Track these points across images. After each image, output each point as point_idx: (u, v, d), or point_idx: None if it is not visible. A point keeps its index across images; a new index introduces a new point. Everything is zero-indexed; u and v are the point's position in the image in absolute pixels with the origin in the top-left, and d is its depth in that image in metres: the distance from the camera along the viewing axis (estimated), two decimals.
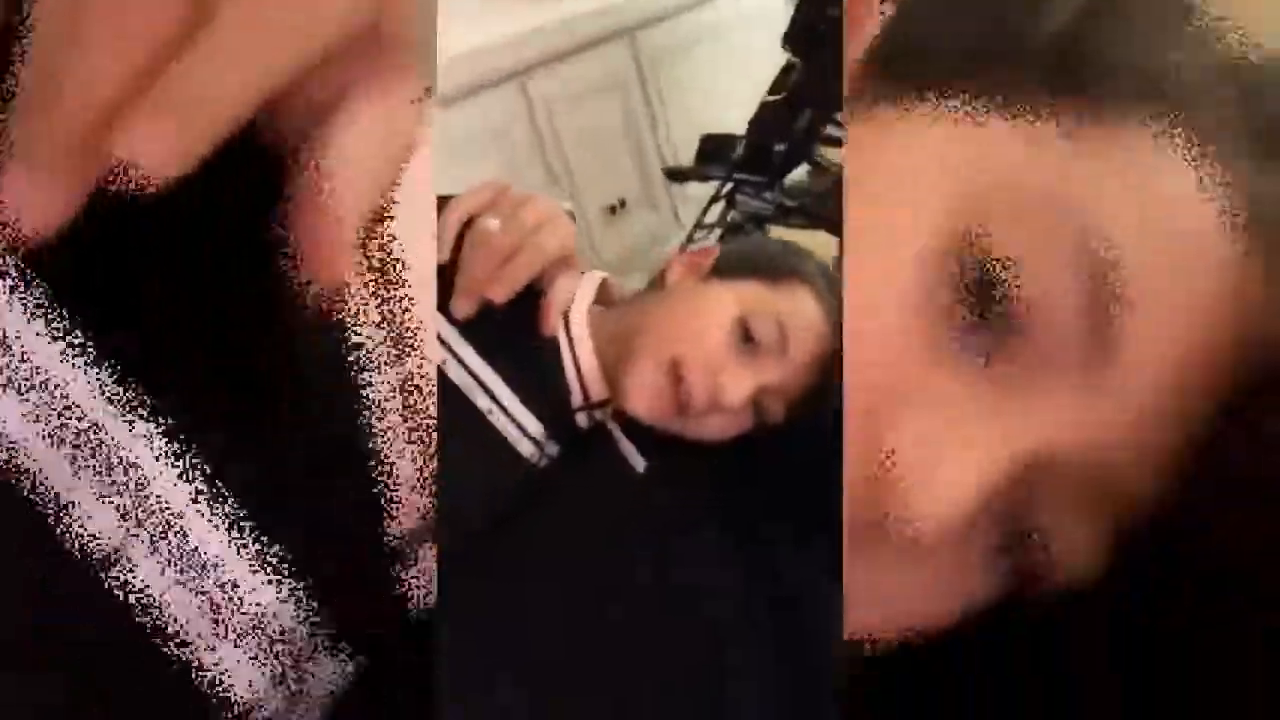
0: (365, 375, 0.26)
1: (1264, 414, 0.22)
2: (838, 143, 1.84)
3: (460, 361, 0.53)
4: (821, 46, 1.64)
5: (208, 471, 0.25)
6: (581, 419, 0.58)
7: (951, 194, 0.23)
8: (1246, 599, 0.22)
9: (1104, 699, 0.25)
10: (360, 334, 0.26)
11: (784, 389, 0.53)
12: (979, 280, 0.23)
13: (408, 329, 0.27)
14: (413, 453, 0.28)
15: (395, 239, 0.26)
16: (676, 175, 2.01)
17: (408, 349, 0.27)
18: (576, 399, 0.57)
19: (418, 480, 0.28)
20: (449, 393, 0.52)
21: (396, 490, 0.27)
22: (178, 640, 0.25)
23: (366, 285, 0.26)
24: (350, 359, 0.26)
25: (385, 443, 0.27)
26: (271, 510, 0.26)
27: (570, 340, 0.57)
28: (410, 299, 0.27)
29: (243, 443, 0.25)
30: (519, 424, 0.54)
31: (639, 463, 0.55)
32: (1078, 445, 0.23)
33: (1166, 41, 0.23)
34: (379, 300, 0.27)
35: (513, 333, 0.55)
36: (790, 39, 1.72)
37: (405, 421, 0.27)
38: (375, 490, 0.27)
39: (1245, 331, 0.22)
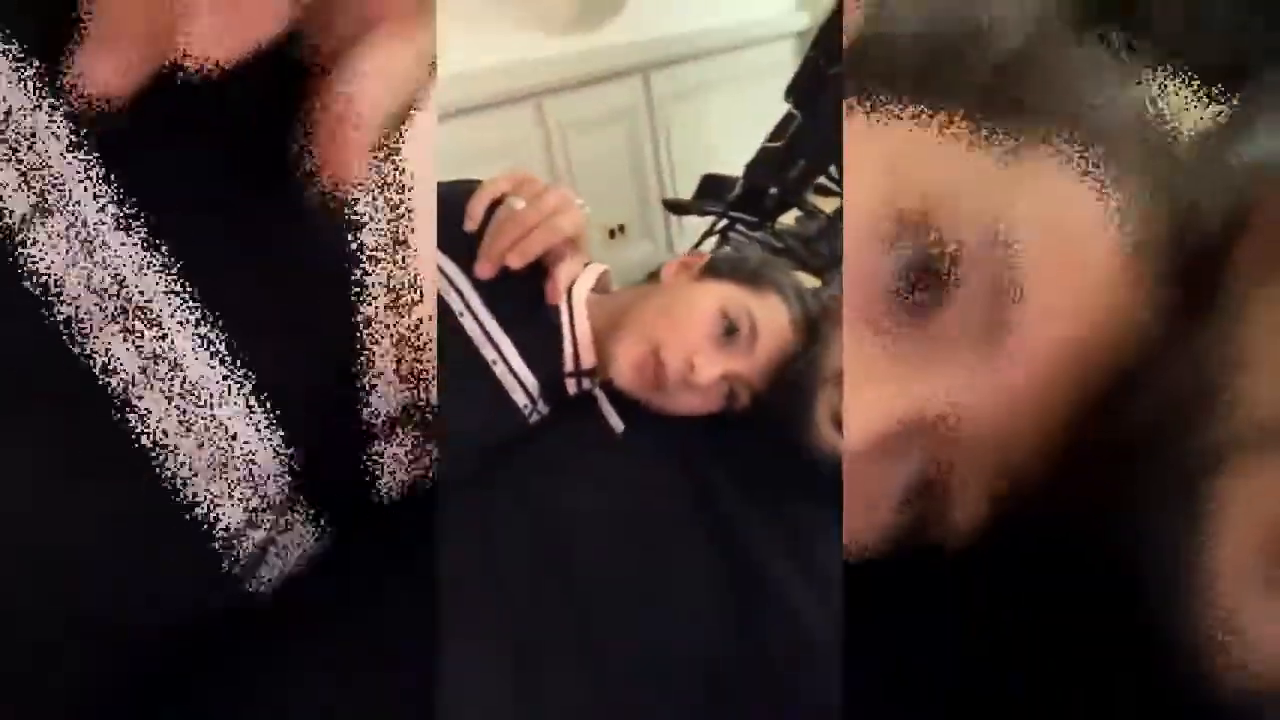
0: (362, 267, 0.29)
1: (1124, 400, 0.27)
2: (829, 192, 1.96)
3: (475, 316, 0.61)
4: (819, 101, 1.76)
5: (218, 327, 0.28)
6: (571, 385, 0.65)
7: (894, 187, 0.28)
8: (1101, 557, 0.27)
9: (987, 639, 0.29)
10: (363, 231, 0.29)
11: (750, 378, 0.60)
12: (911, 262, 0.27)
13: (406, 240, 0.30)
14: (398, 349, 0.31)
15: (406, 162, 0.29)
16: (676, 207, 2.11)
17: (404, 257, 0.30)
18: (569, 364, 0.64)
19: (397, 374, 0.31)
20: (461, 341, 0.60)
21: (378, 378, 0.30)
22: (178, 475, 0.28)
23: (376, 193, 0.29)
24: (351, 249, 0.29)
25: (373, 333, 0.30)
26: (268, 370, 0.29)
27: (570, 312, 0.65)
28: (412, 213, 0.30)
29: (250, 305, 0.28)
30: (518, 377, 0.62)
31: (618, 425, 0.63)
32: (973, 408, 0.28)
33: (1084, 89, 0.28)
34: (386, 208, 0.30)
35: (523, 300, 0.63)
36: (792, 91, 1.84)
37: (394, 320, 0.30)
38: (357, 372, 0.30)
39: (1119, 330, 0.26)
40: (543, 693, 0.47)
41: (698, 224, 2.19)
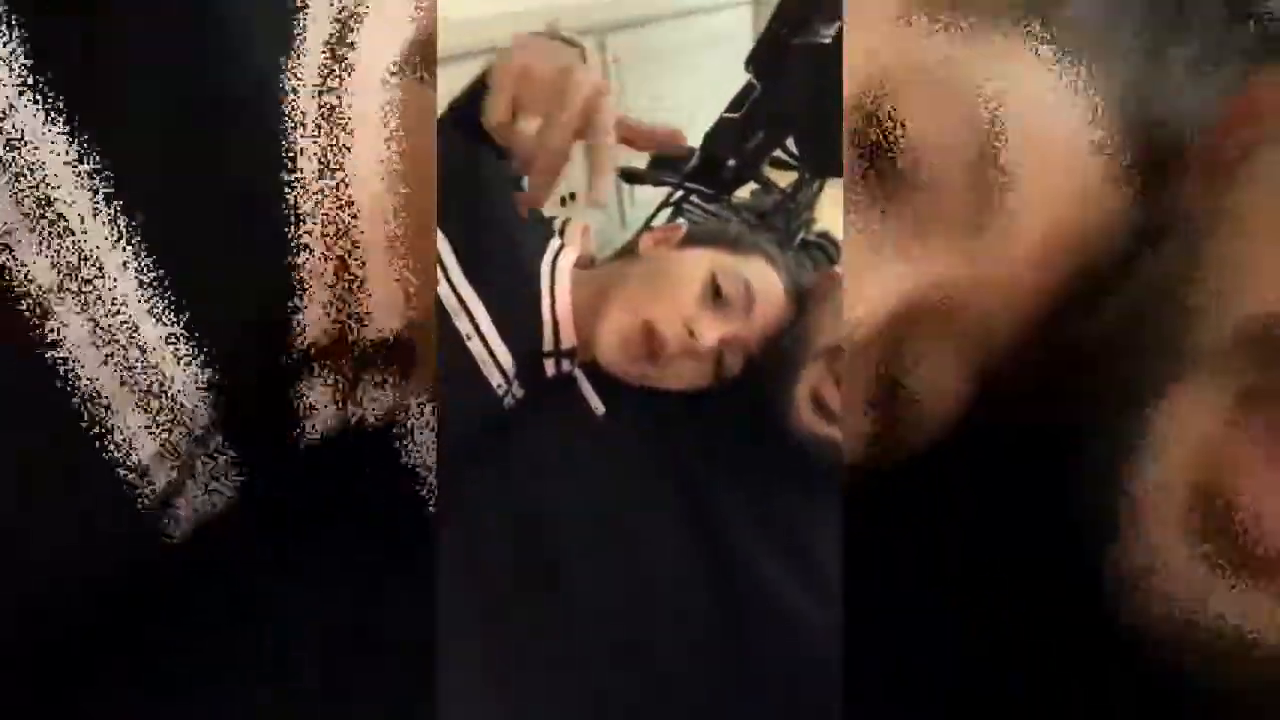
0: (295, 193, 0.28)
1: (1092, 302, 0.27)
2: (786, 165, 1.94)
3: (453, 286, 0.56)
4: (780, 72, 1.72)
5: (141, 241, 0.26)
6: (549, 366, 0.62)
7: (868, 74, 0.28)
8: (1068, 455, 0.27)
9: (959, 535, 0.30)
10: (300, 159, 0.28)
11: (744, 344, 0.59)
12: (877, 140, 0.27)
13: (340, 156, 0.29)
14: (329, 279, 0.29)
15: (349, 95, 0.28)
16: (631, 176, 2.06)
17: (335, 174, 0.29)
18: (548, 343, 0.61)
19: (328, 306, 0.29)
20: (436, 312, 0.55)
21: (304, 307, 0.29)
22: (92, 399, 0.26)
23: (314, 128, 0.28)
24: (284, 160, 0.28)
25: (303, 258, 0.29)
26: (194, 294, 0.27)
27: (553, 287, 0.61)
28: (350, 148, 0.29)
29: (178, 217, 0.27)
30: (494, 354, 0.58)
31: (599, 407, 0.60)
32: (955, 289, 0.28)
33: None
34: (324, 139, 0.28)
35: (505, 272, 0.59)
36: (752, 61, 1.80)
37: (326, 246, 0.29)
38: (286, 301, 0.29)
39: (1095, 227, 0.27)
40: (527, 692, 0.46)
41: (650, 195, 2.15)
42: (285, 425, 0.30)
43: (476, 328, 0.58)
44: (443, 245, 0.57)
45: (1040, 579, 0.28)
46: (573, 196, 2.23)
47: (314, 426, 0.31)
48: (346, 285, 0.30)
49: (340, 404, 0.31)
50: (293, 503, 0.31)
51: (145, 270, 0.27)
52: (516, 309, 0.60)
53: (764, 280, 0.61)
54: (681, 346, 0.57)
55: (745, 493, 0.54)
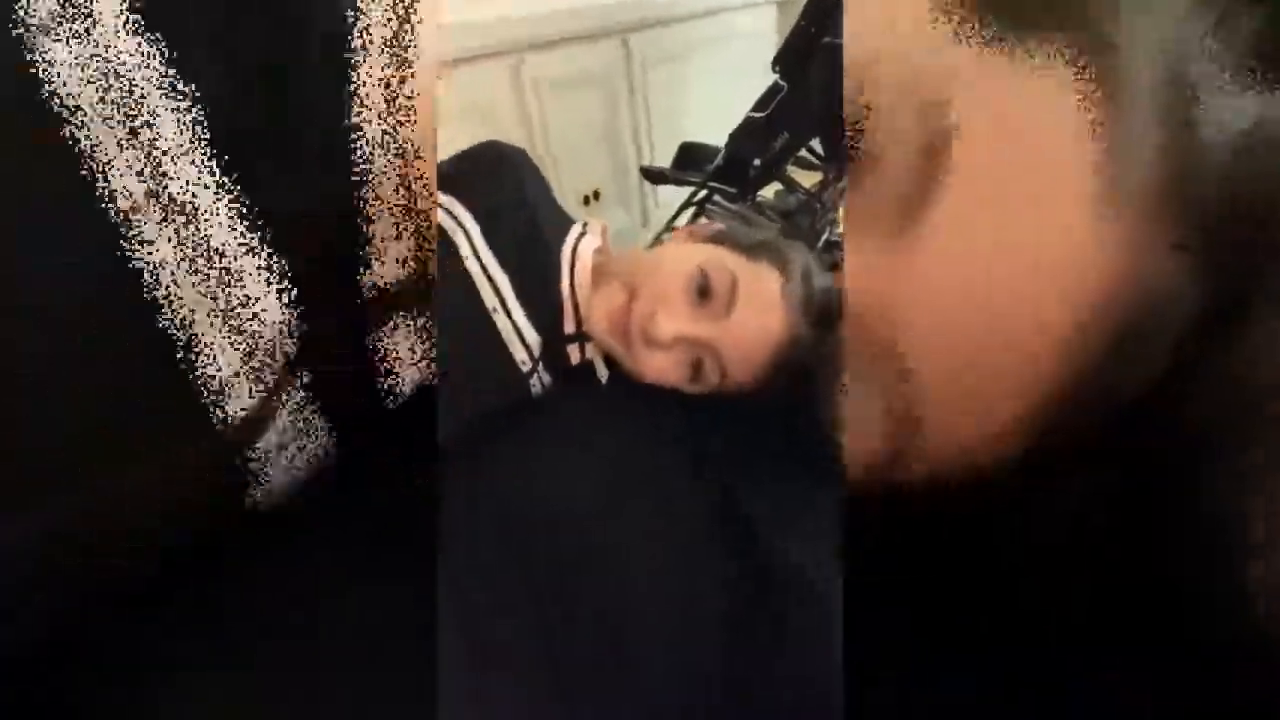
0: (360, 132, 0.28)
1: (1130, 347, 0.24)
2: (810, 165, 1.93)
3: (480, 260, 0.57)
4: (807, 72, 1.71)
5: (230, 166, 0.27)
6: (574, 353, 0.61)
7: (853, 64, 0.26)
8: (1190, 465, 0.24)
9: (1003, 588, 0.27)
10: (365, 87, 0.28)
11: (716, 350, 0.55)
12: (848, 123, 0.26)
13: (408, 105, 0.29)
14: (397, 216, 0.29)
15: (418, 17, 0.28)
16: (654, 176, 2.05)
17: (407, 119, 0.29)
18: (569, 324, 0.60)
19: (396, 238, 0.29)
20: (463, 285, 0.56)
21: (373, 241, 0.29)
22: (175, 313, 0.27)
23: (382, 50, 0.28)
24: (352, 108, 0.28)
25: (371, 195, 0.29)
26: (275, 219, 0.28)
27: (573, 271, 0.61)
28: (414, 76, 0.28)
29: (266, 152, 0.28)
30: (519, 329, 0.57)
31: (603, 373, 0.60)
32: (883, 289, 0.26)
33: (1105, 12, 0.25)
34: (391, 64, 0.28)
35: (530, 251, 0.59)
36: (779, 61, 1.79)
37: (395, 183, 0.29)
38: (358, 237, 0.29)
39: (1088, 261, 0.24)
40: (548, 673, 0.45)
41: (674, 194, 2.14)
42: (371, 376, 0.30)
43: (502, 301, 0.57)
44: (465, 216, 0.58)
45: (1164, 595, 0.25)
46: (596, 195, 2.23)
47: (400, 379, 0.31)
48: (417, 223, 0.30)
49: (415, 357, 0.31)
50: (385, 466, 0.31)
51: (227, 189, 0.27)
52: (541, 287, 0.60)
53: (757, 286, 0.56)
54: (639, 330, 0.55)
55: (775, 492, 0.53)
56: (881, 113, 0.25)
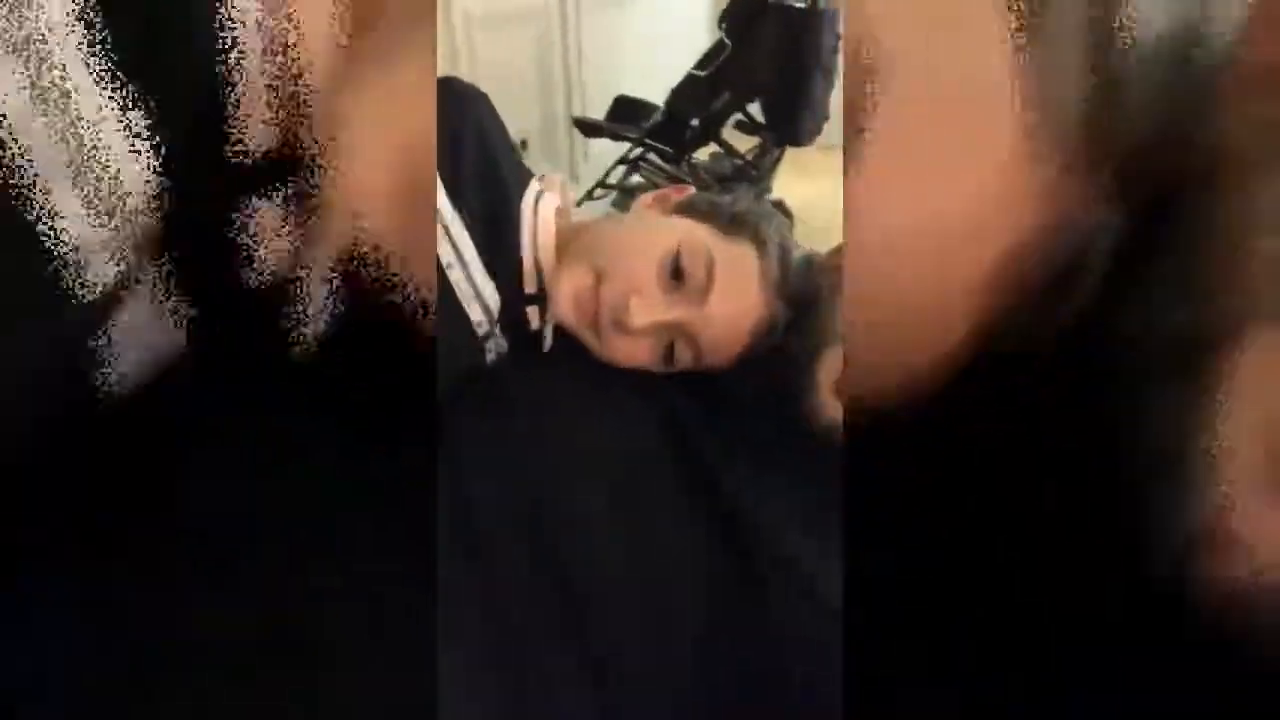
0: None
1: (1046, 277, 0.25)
2: (749, 128, 1.88)
3: (439, 213, 0.50)
4: (754, 31, 1.66)
5: (88, 20, 0.25)
6: (533, 317, 0.56)
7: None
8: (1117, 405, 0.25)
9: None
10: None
11: (693, 334, 0.52)
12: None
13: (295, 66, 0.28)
14: (268, 87, 0.28)
15: None
16: (588, 128, 1.96)
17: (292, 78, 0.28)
18: (529, 284, 0.55)
19: (267, 112, 0.28)
20: None
21: (247, 113, 0.28)
22: (25, 166, 0.26)
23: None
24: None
25: (236, 60, 0.27)
26: (137, 74, 0.26)
27: (535, 228, 0.55)
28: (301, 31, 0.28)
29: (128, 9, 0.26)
30: (476, 287, 0.52)
31: (547, 342, 0.55)
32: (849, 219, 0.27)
33: None
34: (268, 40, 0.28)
35: (495, 206, 0.53)
36: (726, 19, 1.73)
37: (262, 47, 0.28)
38: (224, 106, 0.28)
39: (1009, 202, 0.25)
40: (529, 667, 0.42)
41: (605, 150, 2.06)
42: (231, 257, 0.29)
43: (459, 255, 0.51)
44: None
45: (1082, 536, 0.26)
46: (524, 145, 2.12)
47: (264, 259, 0.29)
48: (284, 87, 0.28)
49: (284, 238, 0.29)
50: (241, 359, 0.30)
51: (86, 28, 0.26)
52: (501, 244, 0.54)
53: (735, 266, 0.53)
54: (612, 318, 0.51)
55: (754, 474, 0.50)
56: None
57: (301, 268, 0.30)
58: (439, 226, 0.50)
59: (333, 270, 0.30)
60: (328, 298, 0.30)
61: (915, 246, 0.26)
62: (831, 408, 0.49)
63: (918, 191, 0.26)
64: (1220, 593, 0.24)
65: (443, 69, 1.69)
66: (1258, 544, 0.23)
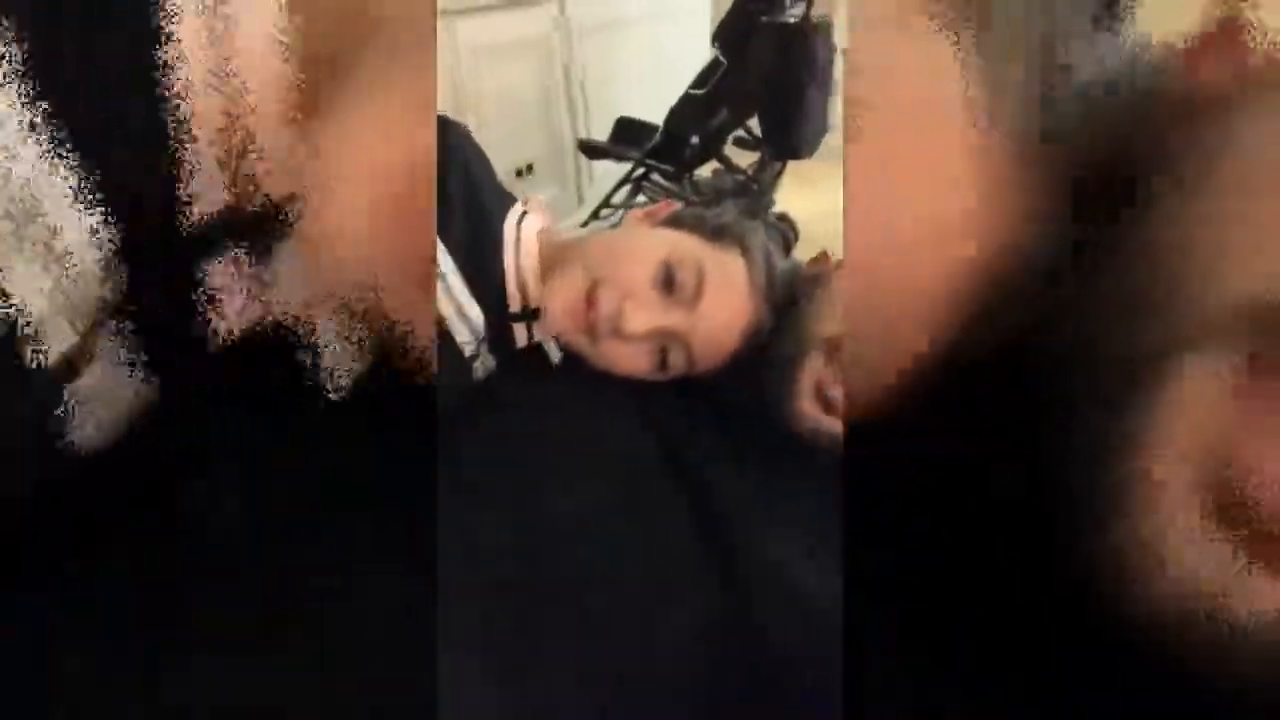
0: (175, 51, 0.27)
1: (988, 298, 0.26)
2: (749, 145, 1.92)
3: None
4: (748, 48, 1.70)
5: (35, 87, 0.25)
6: (520, 334, 0.59)
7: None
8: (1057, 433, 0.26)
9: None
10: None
11: (686, 340, 0.54)
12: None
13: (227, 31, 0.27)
14: (218, 147, 0.28)
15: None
16: (591, 150, 2.01)
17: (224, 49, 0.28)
18: (514, 303, 0.57)
19: (218, 174, 0.28)
20: None
21: (194, 173, 0.28)
22: None
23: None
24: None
25: (190, 123, 0.27)
26: (79, 136, 0.26)
27: (518, 246, 0.58)
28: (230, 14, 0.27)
29: (72, 79, 0.26)
30: (460, 306, 0.54)
31: (555, 355, 0.57)
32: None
33: None
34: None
35: (468, 222, 0.56)
36: (720, 37, 1.77)
37: (210, 111, 0.28)
38: (176, 165, 0.27)
39: (964, 216, 0.26)
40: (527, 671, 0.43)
41: (609, 171, 2.10)
42: (194, 314, 0.29)
43: (442, 277, 0.53)
44: None
45: (1031, 563, 0.27)
46: (529, 169, 2.18)
47: (225, 318, 0.29)
48: (238, 149, 0.28)
49: (247, 295, 0.29)
50: (210, 409, 0.30)
51: (26, 97, 0.25)
52: (484, 264, 0.56)
53: (724, 273, 0.55)
54: (609, 327, 0.53)
55: (742, 477, 0.51)
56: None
57: (304, 307, 0.30)
58: None
59: (332, 309, 0.30)
60: (327, 335, 0.31)
61: (906, 252, 0.27)
62: (814, 411, 0.51)
63: (896, 203, 0.27)
64: (1156, 621, 0.24)
65: (447, 101, 1.74)
66: (1188, 570, 0.23)
